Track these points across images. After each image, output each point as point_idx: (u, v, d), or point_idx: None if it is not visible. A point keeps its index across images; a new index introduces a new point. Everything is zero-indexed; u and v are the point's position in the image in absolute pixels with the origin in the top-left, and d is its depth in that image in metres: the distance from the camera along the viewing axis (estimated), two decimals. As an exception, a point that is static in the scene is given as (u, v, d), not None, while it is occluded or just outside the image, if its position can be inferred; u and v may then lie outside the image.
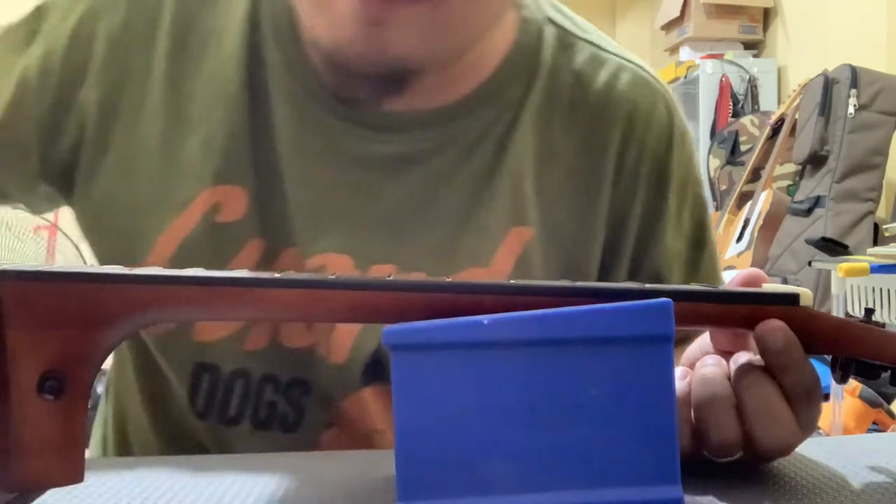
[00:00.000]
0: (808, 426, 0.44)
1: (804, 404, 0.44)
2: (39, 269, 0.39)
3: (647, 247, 0.67)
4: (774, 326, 0.42)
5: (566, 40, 0.67)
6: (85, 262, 3.08)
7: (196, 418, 0.64)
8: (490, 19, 0.58)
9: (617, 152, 0.65)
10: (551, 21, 0.67)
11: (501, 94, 0.63)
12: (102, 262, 0.63)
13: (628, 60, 0.69)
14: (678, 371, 0.46)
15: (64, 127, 0.62)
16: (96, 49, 0.62)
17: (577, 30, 0.68)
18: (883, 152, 2.82)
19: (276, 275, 0.41)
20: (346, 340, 0.61)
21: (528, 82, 0.64)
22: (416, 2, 0.52)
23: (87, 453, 0.77)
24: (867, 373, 0.44)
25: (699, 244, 0.70)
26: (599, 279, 0.66)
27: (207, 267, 0.57)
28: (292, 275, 0.41)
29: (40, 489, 0.41)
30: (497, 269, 0.62)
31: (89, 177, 0.62)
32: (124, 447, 0.72)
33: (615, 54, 0.68)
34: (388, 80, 0.59)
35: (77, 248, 3.25)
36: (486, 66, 0.64)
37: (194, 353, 0.62)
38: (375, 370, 0.62)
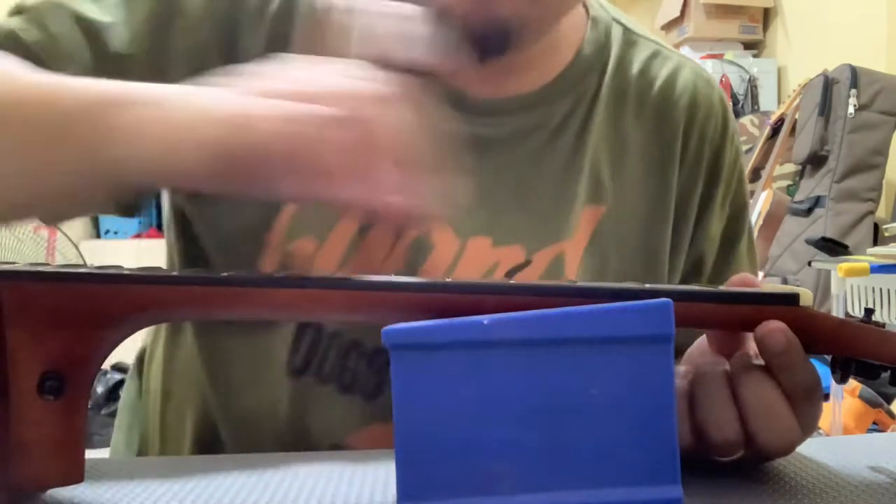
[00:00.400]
0: (808, 426, 0.45)
1: (805, 404, 0.44)
2: (39, 269, 0.39)
3: (697, 229, 0.72)
4: (775, 328, 0.42)
5: (630, 38, 0.73)
6: (85, 263, 3.08)
7: (289, 376, 0.64)
8: None
9: (682, 138, 0.70)
10: (616, 21, 0.73)
11: (578, 84, 0.69)
12: (227, 238, 0.65)
13: (687, 59, 0.75)
14: (680, 370, 0.47)
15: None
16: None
17: (640, 30, 0.75)
18: (883, 152, 2.82)
19: (276, 275, 0.41)
20: None
21: (600, 74, 0.70)
22: None
23: (104, 453, 0.77)
24: (867, 373, 0.44)
25: (733, 237, 0.74)
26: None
27: (319, 228, 0.62)
28: (292, 274, 0.41)
29: (40, 489, 0.41)
30: (578, 241, 0.67)
31: None
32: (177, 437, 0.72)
33: (676, 53, 0.75)
34: (491, 41, 0.62)
35: (77, 248, 3.25)
36: (564, 58, 0.69)
37: None
38: None
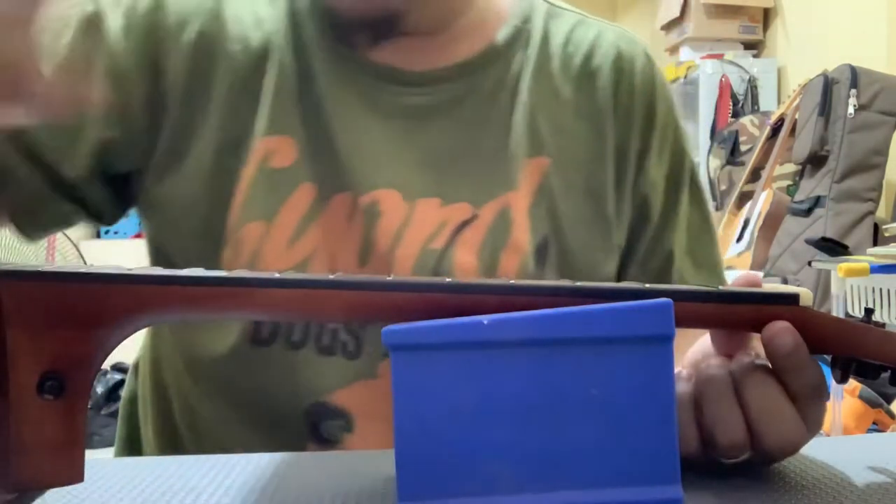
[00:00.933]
0: (814, 425, 0.45)
1: (811, 404, 0.44)
2: (39, 269, 0.39)
3: (636, 175, 0.75)
4: (783, 329, 0.42)
5: (553, 11, 0.77)
6: (85, 263, 3.08)
7: (260, 346, 0.66)
8: None
9: (612, 89, 0.74)
10: None
11: (507, 52, 0.73)
12: (184, 229, 0.68)
13: (610, 24, 0.78)
14: (683, 373, 0.46)
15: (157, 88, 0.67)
16: (177, 28, 0.68)
17: (563, 4, 0.79)
18: (883, 152, 2.82)
19: (276, 275, 0.41)
20: (406, 265, 0.66)
21: (525, 44, 0.74)
22: None
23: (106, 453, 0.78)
24: (867, 373, 0.44)
25: (676, 185, 0.77)
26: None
27: (267, 209, 0.65)
28: (292, 275, 0.41)
29: (40, 489, 0.41)
30: (524, 192, 0.70)
31: (174, 154, 0.67)
32: (170, 427, 0.73)
33: (598, 20, 0.79)
34: (380, 26, 0.68)
35: (77, 248, 3.25)
36: (490, 30, 0.74)
37: None
38: None
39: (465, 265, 0.67)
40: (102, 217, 0.71)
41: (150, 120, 0.67)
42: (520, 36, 0.74)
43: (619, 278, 0.75)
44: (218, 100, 0.67)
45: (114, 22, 0.66)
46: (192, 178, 0.67)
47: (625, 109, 0.75)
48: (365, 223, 0.66)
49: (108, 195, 0.69)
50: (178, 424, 0.72)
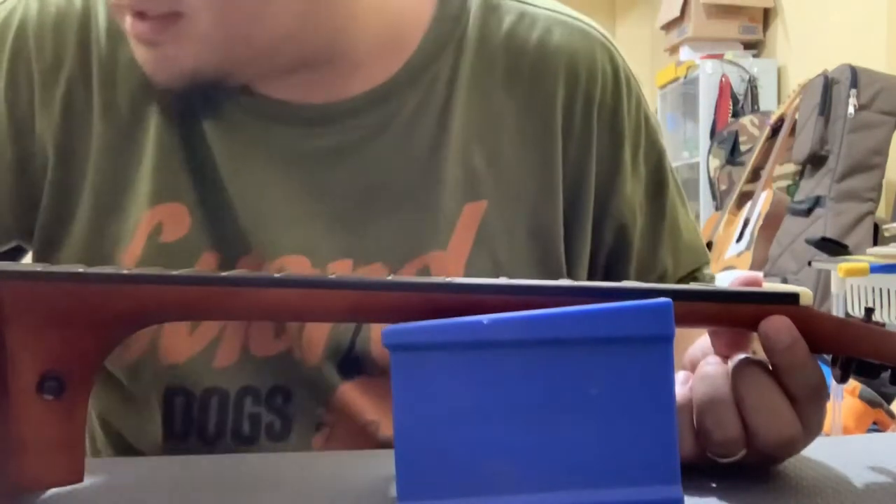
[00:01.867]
0: (813, 428, 0.44)
1: (810, 405, 0.43)
2: (39, 269, 0.39)
3: (607, 200, 0.66)
4: (780, 323, 0.42)
5: (490, 3, 0.65)
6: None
7: (175, 442, 0.61)
8: (285, 19, 0.55)
9: (563, 108, 0.64)
10: None
11: (429, 70, 0.62)
12: None
13: (560, 13, 0.67)
14: (680, 376, 0.46)
15: (28, 165, 0.61)
16: (35, 87, 0.61)
17: None
18: (883, 152, 2.82)
19: (276, 274, 0.41)
20: (318, 340, 0.60)
21: (455, 54, 0.63)
22: (166, 21, 0.53)
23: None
24: (867, 372, 0.44)
25: (658, 190, 0.69)
26: (565, 237, 0.65)
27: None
28: (292, 275, 0.41)
29: (40, 489, 0.41)
30: (456, 249, 0.61)
31: (56, 220, 0.61)
32: None
33: (546, 8, 0.66)
34: (213, 91, 0.58)
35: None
36: (408, 44, 0.62)
37: (165, 378, 0.60)
38: (353, 364, 0.61)
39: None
40: None
41: (23, 186, 0.61)
42: (446, 45, 0.63)
43: None
44: (96, 156, 0.60)
45: None
46: (76, 248, 0.61)
47: (581, 128, 0.64)
48: None
49: None
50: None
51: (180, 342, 0.59)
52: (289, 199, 0.60)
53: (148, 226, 0.60)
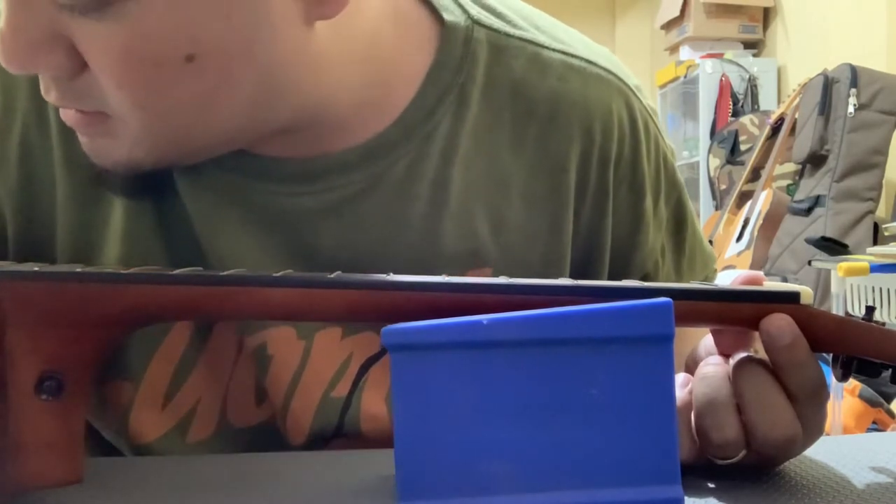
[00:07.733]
0: (813, 429, 0.44)
1: (810, 403, 0.43)
2: (39, 269, 0.39)
3: (630, 254, 0.63)
4: (781, 321, 0.42)
5: (498, 44, 0.58)
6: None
7: None
8: (231, 113, 0.48)
9: (577, 169, 0.59)
10: (478, 24, 0.58)
11: (427, 123, 0.55)
12: None
13: (575, 56, 0.60)
14: (679, 378, 0.46)
15: None
16: None
17: (510, 27, 0.59)
18: (883, 152, 2.82)
19: (275, 274, 0.41)
20: (305, 415, 0.56)
21: (458, 103, 0.56)
22: (94, 118, 0.48)
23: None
24: (868, 371, 0.44)
25: (679, 226, 0.67)
26: None
27: (131, 367, 0.54)
28: (291, 274, 0.41)
29: (40, 489, 0.41)
30: None
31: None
32: None
33: (559, 51, 0.60)
34: (141, 176, 0.52)
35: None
36: (403, 95, 0.56)
37: (136, 453, 0.57)
38: (341, 443, 0.57)
39: (376, 414, 0.56)
40: None
41: None
42: (446, 95, 0.56)
43: None
44: (61, 211, 0.55)
45: None
46: None
47: (597, 187, 0.59)
48: (255, 370, 0.55)
49: None
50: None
51: (152, 417, 0.55)
52: (271, 262, 0.54)
53: None
